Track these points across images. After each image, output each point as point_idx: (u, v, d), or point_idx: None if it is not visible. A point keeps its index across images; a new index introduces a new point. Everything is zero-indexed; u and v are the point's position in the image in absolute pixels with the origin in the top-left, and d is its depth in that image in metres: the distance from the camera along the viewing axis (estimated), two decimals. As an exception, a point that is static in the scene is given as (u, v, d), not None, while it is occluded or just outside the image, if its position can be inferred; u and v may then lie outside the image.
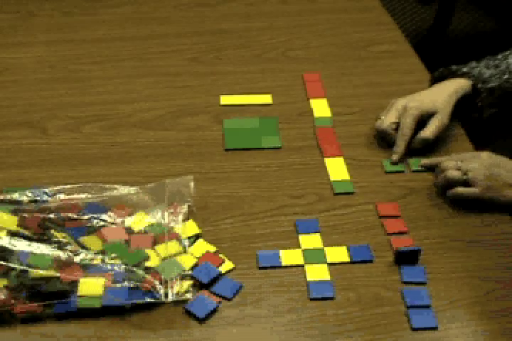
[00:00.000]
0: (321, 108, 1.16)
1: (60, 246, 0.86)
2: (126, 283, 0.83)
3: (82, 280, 0.83)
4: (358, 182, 1.01)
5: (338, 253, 0.91)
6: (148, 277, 0.84)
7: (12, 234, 0.87)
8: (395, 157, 1.04)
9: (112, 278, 0.84)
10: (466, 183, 0.96)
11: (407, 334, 0.81)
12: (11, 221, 0.88)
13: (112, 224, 0.91)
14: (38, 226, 0.89)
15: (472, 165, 0.96)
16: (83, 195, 0.94)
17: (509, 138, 1.25)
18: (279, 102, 1.17)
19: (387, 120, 1.06)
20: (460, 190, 0.96)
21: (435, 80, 1.13)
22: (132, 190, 0.95)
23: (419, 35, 2.54)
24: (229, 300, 0.85)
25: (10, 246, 0.85)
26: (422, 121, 1.05)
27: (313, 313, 0.84)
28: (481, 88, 1.07)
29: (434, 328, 0.82)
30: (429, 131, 1.04)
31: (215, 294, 0.85)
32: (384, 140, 1.07)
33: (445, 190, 0.98)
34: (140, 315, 0.83)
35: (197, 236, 0.92)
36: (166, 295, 0.83)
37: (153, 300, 0.82)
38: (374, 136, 1.09)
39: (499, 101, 1.09)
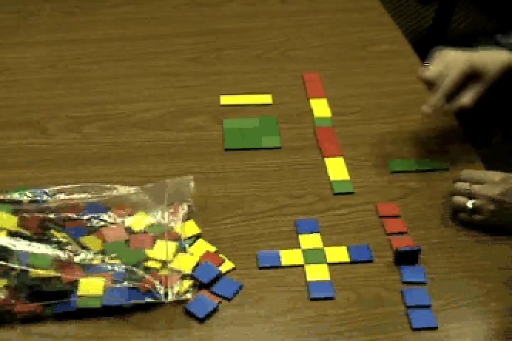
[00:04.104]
0: (321, 108, 1.16)
1: (60, 246, 0.86)
2: (126, 283, 0.83)
3: (82, 280, 0.83)
4: (358, 182, 1.01)
5: (338, 253, 0.91)
6: (148, 277, 0.84)
7: (12, 234, 0.87)
8: (427, 107, 0.96)
9: (111, 278, 0.84)
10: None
11: (407, 334, 0.81)
12: (11, 221, 0.88)
13: (112, 224, 0.91)
14: (38, 226, 0.89)
15: (483, 192, 0.91)
16: (83, 195, 0.94)
17: (509, 137, 1.25)
18: (279, 102, 1.17)
19: (434, 69, 0.96)
20: (463, 217, 0.94)
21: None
22: (132, 190, 0.95)
23: (419, 35, 2.54)
24: (229, 300, 0.85)
25: (10, 246, 0.85)
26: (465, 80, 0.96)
27: (313, 313, 0.84)
28: None
29: (434, 328, 0.82)
30: (468, 98, 0.95)
31: (215, 294, 0.85)
32: (428, 91, 0.99)
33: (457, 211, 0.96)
34: (140, 315, 0.83)
35: (197, 236, 0.92)
36: (166, 295, 0.83)
37: (153, 300, 0.82)
38: (374, 136, 1.09)
39: None
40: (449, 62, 0.96)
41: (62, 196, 0.94)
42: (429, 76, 0.97)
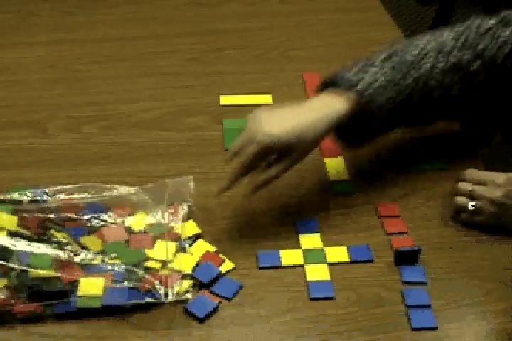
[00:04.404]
0: (321, 108, 1.15)
1: (60, 246, 0.86)
2: (126, 283, 0.83)
3: (82, 280, 0.83)
4: (358, 182, 1.01)
5: (338, 253, 0.91)
6: (148, 277, 0.84)
7: (12, 234, 0.87)
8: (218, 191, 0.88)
9: (111, 278, 0.84)
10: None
11: (407, 334, 0.81)
12: (11, 221, 0.88)
13: (112, 224, 0.91)
14: (38, 226, 0.89)
15: (485, 193, 0.91)
16: (83, 195, 0.94)
17: (509, 137, 1.25)
18: (279, 102, 1.17)
19: (236, 143, 0.86)
20: (465, 217, 0.93)
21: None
22: (132, 190, 0.95)
23: (419, 35, 2.53)
24: (229, 300, 0.85)
25: (10, 246, 0.85)
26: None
27: (313, 313, 0.84)
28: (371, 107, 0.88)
29: (434, 328, 0.82)
30: (262, 179, 0.87)
31: (215, 294, 0.85)
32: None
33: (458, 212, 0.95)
34: (140, 315, 0.83)
35: (197, 236, 0.92)
36: (166, 295, 0.83)
37: (153, 300, 0.82)
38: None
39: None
40: (251, 134, 0.84)
41: (62, 196, 0.94)
42: (229, 153, 0.87)
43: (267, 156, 0.87)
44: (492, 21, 0.95)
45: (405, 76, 0.89)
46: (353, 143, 0.97)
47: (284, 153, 0.86)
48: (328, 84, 0.92)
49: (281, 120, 0.85)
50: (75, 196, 0.94)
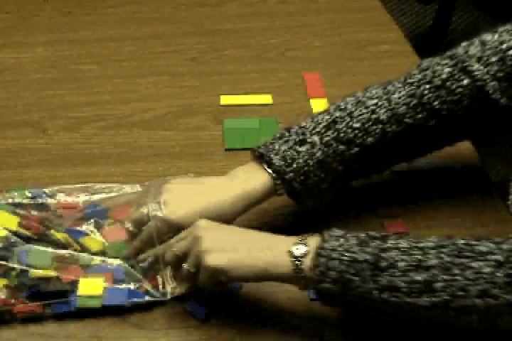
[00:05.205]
0: (321, 108, 1.15)
1: (60, 246, 0.86)
2: (126, 283, 0.83)
3: (82, 280, 0.83)
4: (358, 182, 1.01)
5: (338, 253, 0.90)
6: (148, 277, 0.84)
7: (12, 234, 0.87)
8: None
9: (111, 278, 0.84)
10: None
11: (407, 334, 0.81)
12: (11, 221, 0.88)
13: (112, 224, 0.91)
14: (38, 227, 0.88)
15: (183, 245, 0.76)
16: (83, 195, 0.94)
17: (509, 137, 1.25)
18: (279, 102, 1.17)
19: (137, 215, 0.85)
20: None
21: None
22: (132, 189, 0.95)
23: (419, 35, 2.54)
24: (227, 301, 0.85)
25: (10, 246, 0.85)
26: None
27: (313, 313, 0.84)
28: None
29: (434, 328, 0.82)
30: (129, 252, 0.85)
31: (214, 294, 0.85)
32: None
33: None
34: (140, 315, 0.83)
35: (197, 236, 0.91)
36: (166, 294, 0.83)
37: (153, 299, 0.82)
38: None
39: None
40: (146, 212, 0.83)
41: (62, 196, 0.94)
42: (129, 225, 0.86)
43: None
44: (447, 69, 0.86)
45: (348, 147, 0.84)
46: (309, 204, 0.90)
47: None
48: (259, 154, 0.87)
49: (191, 200, 0.82)
50: (75, 196, 0.94)
